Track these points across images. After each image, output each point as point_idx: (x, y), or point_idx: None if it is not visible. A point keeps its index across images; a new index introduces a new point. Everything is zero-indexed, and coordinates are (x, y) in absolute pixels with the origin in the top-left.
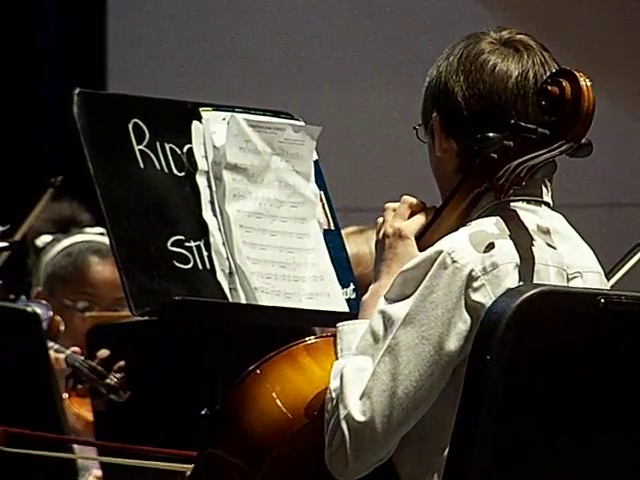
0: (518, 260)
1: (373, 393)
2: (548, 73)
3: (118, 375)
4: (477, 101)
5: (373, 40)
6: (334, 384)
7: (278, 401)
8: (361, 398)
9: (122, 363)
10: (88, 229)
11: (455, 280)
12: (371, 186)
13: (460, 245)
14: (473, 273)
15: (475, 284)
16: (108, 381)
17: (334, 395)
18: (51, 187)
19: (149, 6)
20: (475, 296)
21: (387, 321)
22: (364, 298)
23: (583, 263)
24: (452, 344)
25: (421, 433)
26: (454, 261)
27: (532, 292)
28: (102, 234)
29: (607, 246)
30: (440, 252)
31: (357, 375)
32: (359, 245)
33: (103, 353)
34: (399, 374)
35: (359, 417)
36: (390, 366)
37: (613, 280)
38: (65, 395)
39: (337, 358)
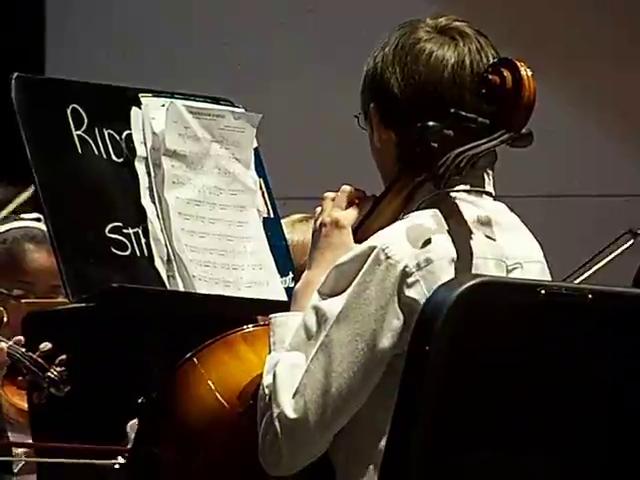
0: (455, 255)
1: (306, 391)
2: (485, 60)
3: (59, 369)
4: (414, 92)
5: (314, 29)
6: (267, 380)
7: (214, 389)
8: (294, 396)
9: (64, 357)
10: (24, 215)
11: (389, 276)
12: (312, 175)
13: (394, 240)
14: (407, 269)
15: (409, 280)
16: (49, 375)
17: (267, 392)
18: None
19: None
20: (409, 292)
21: (320, 317)
22: (296, 287)
23: (524, 254)
24: (386, 341)
25: (355, 426)
26: (388, 257)
27: (472, 283)
28: (38, 220)
29: (549, 237)
30: (374, 247)
31: (290, 372)
32: (304, 233)
33: (45, 346)
34: (332, 372)
35: (292, 415)
36: (323, 363)
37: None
38: None
39: (270, 351)
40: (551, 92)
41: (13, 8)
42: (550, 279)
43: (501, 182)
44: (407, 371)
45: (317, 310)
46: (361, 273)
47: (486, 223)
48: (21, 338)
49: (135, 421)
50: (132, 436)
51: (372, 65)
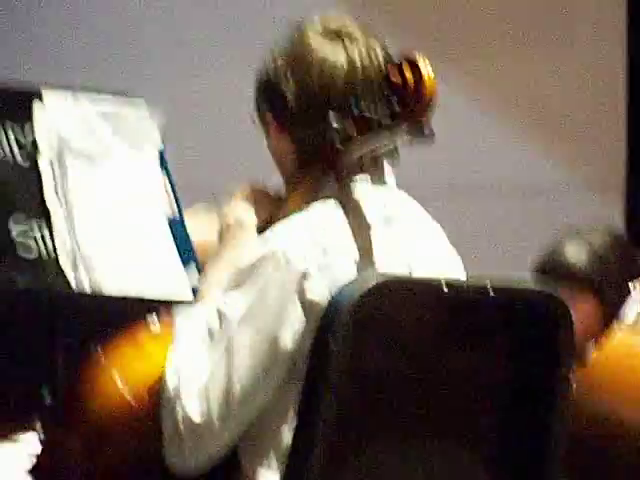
0: (356, 253)
1: (209, 394)
2: (376, 62)
3: None
4: (309, 101)
5: (219, 22)
6: (171, 382)
7: (119, 384)
8: (198, 399)
9: None
10: None
11: (289, 278)
12: (218, 171)
13: (294, 240)
14: (307, 271)
15: (309, 281)
16: None
17: (172, 394)
18: None
19: None
20: (309, 293)
21: (223, 319)
22: (201, 285)
23: (427, 249)
24: (287, 342)
25: (260, 423)
26: (288, 260)
27: (375, 281)
28: None
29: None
30: (274, 250)
31: (193, 374)
32: (207, 233)
33: None
34: (235, 373)
35: (196, 418)
36: (226, 365)
37: None
38: None
39: (173, 347)
40: (448, 87)
41: None
42: (460, 271)
43: (403, 174)
44: (311, 370)
45: (220, 312)
46: (262, 276)
47: (388, 218)
48: None
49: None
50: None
51: (265, 75)
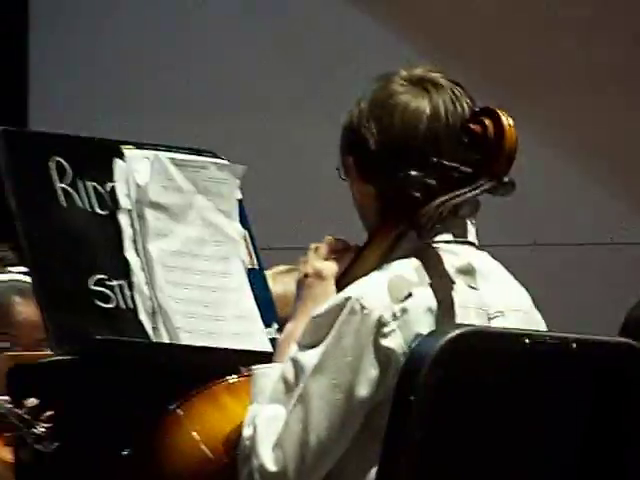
0: (433, 304)
1: (285, 443)
2: (460, 110)
3: (46, 425)
4: (390, 146)
5: (302, 75)
6: (247, 433)
7: (198, 440)
8: (273, 449)
9: (51, 412)
10: (11, 268)
11: (364, 326)
12: (296, 225)
13: (371, 290)
14: (382, 319)
15: (385, 330)
16: (36, 431)
17: (247, 444)
18: None
19: (70, 42)
20: (385, 342)
21: (298, 369)
22: (280, 339)
23: (506, 302)
24: (363, 390)
25: (336, 475)
26: (363, 307)
27: (456, 332)
28: (26, 273)
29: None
30: (349, 298)
31: (269, 425)
32: (286, 285)
33: (31, 402)
34: (310, 423)
35: (272, 468)
36: (301, 415)
37: None
38: None
39: (250, 402)
40: (532, 137)
41: None
42: (540, 327)
43: (484, 231)
44: (392, 421)
45: (295, 362)
46: (337, 324)
47: (467, 272)
48: (6, 398)
49: None
50: None
51: (348, 120)
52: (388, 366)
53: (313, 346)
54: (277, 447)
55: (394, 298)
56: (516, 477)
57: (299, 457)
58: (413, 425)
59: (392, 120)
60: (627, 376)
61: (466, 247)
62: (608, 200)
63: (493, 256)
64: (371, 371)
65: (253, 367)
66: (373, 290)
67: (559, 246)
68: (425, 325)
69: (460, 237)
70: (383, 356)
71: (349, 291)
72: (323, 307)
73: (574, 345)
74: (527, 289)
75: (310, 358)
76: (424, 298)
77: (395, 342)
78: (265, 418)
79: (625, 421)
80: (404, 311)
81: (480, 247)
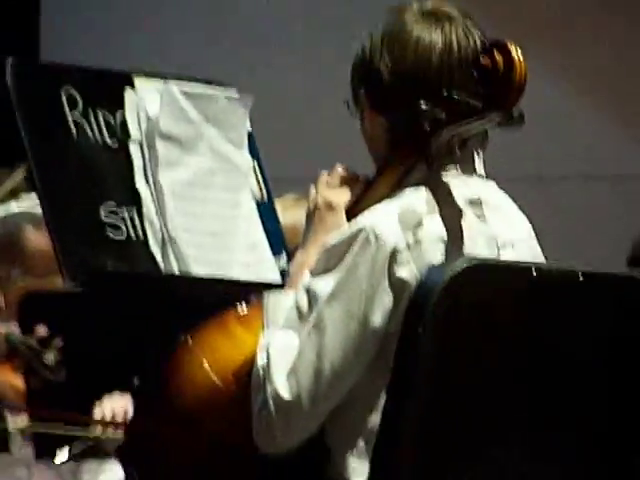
0: (445, 235)
1: (299, 371)
2: (472, 43)
3: (55, 354)
4: (403, 77)
5: (313, 7)
6: (260, 360)
7: (209, 369)
8: (287, 376)
9: (60, 341)
10: (24, 196)
11: (379, 256)
12: (305, 155)
13: (384, 220)
14: (396, 249)
15: (399, 259)
16: (45, 360)
17: (261, 372)
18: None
19: None
20: (399, 272)
21: (312, 297)
22: (290, 269)
23: (514, 233)
24: (377, 319)
25: (347, 403)
26: (377, 237)
27: (464, 265)
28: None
29: (532, 220)
30: (363, 228)
31: (283, 352)
32: (295, 216)
33: (41, 331)
34: (325, 351)
35: (286, 395)
36: (316, 343)
37: None
38: None
39: (263, 330)
40: (544, 72)
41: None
42: (541, 259)
43: (491, 163)
44: (400, 353)
45: (309, 290)
46: (351, 253)
47: (476, 203)
48: (16, 327)
49: (99, 408)
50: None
51: (361, 52)
52: (402, 296)
53: (327, 275)
54: (291, 375)
55: (405, 228)
56: (521, 408)
57: (313, 385)
58: (421, 357)
59: (405, 52)
60: (634, 308)
61: (475, 178)
62: (611, 132)
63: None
64: (385, 301)
65: (264, 294)
66: (385, 220)
67: (563, 179)
68: (438, 255)
69: (468, 169)
70: (397, 286)
71: (362, 221)
72: (336, 237)
73: (581, 278)
74: (531, 221)
75: (324, 287)
76: (435, 228)
77: (408, 272)
78: (279, 346)
79: (632, 354)
80: (418, 242)
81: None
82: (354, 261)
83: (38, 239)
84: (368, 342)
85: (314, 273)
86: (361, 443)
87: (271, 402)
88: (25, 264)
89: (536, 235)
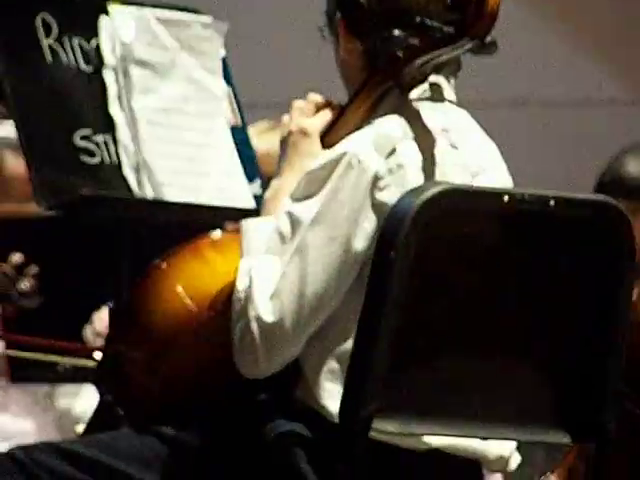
0: (421, 161)
1: (282, 294)
2: None
3: (31, 280)
4: (379, 2)
5: None
6: (242, 284)
7: (182, 294)
8: (271, 299)
9: (35, 268)
10: (3, 121)
11: (361, 180)
12: (278, 82)
13: (364, 146)
14: (378, 174)
15: (381, 184)
16: (20, 287)
17: (242, 296)
18: None
19: None
20: (380, 196)
21: (294, 222)
22: (266, 195)
23: (486, 161)
24: (359, 243)
25: (325, 328)
26: (360, 162)
27: (435, 190)
28: None
29: (509, 145)
30: (345, 153)
31: (266, 276)
32: (270, 143)
33: (17, 258)
34: (307, 274)
35: (269, 318)
36: (298, 267)
37: None
38: None
39: (242, 256)
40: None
41: None
42: (511, 185)
43: (465, 89)
44: (372, 276)
45: (290, 215)
46: (334, 177)
47: (448, 130)
48: None
49: (91, 325)
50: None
51: None
52: (382, 220)
53: (309, 200)
54: (275, 297)
55: (381, 154)
56: (496, 333)
57: (296, 307)
58: (393, 282)
59: None
60: (604, 232)
61: (447, 105)
62: (586, 60)
63: (477, 116)
64: (367, 225)
65: (242, 221)
66: (366, 146)
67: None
68: (417, 181)
69: (441, 96)
70: (378, 210)
71: (344, 146)
72: (318, 162)
73: (552, 202)
74: (509, 148)
75: (307, 211)
76: (412, 154)
77: (390, 197)
78: (261, 270)
79: (604, 277)
80: (399, 166)
81: (460, 106)
82: (337, 185)
83: (17, 165)
84: (350, 266)
85: (295, 198)
86: (335, 366)
87: (254, 325)
88: (4, 190)
89: (505, 160)
